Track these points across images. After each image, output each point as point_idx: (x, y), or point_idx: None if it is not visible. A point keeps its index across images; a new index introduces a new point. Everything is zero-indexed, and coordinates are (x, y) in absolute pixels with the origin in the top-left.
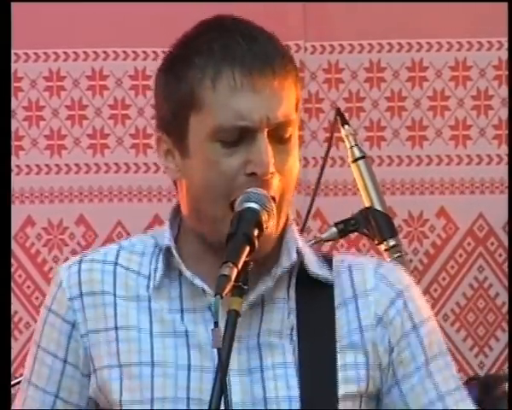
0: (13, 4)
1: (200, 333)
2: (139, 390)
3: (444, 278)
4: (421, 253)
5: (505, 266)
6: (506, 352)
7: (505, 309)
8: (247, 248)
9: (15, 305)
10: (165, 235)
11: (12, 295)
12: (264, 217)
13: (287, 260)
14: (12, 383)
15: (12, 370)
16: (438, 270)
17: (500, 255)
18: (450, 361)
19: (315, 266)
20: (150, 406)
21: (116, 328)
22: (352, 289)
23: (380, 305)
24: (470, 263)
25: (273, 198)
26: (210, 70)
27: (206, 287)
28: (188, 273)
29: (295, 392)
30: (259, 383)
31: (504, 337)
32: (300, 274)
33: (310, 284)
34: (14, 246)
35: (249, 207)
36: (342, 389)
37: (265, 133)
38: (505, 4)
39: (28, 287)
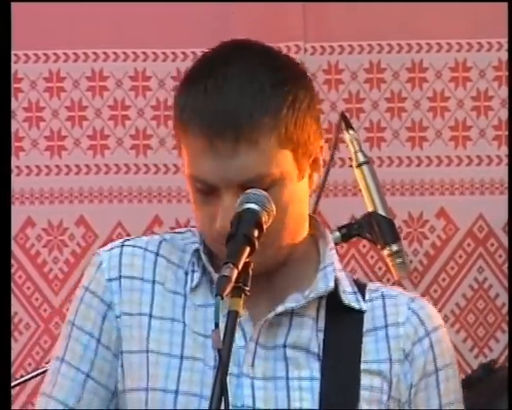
0: (13, 5)
1: (220, 334)
2: (164, 380)
3: (443, 279)
4: (420, 254)
5: (505, 267)
6: (506, 353)
7: (505, 310)
8: (248, 249)
9: (15, 306)
10: (196, 237)
11: (12, 296)
12: (264, 218)
13: (323, 286)
14: (12, 384)
15: (12, 371)
16: (438, 271)
17: (500, 256)
18: (462, 406)
19: (349, 297)
20: (174, 397)
21: (150, 316)
22: (383, 319)
23: (408, 340)
24: (470, 264)
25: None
26: (184, 117)
27: None
28: (216, 276)
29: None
30: (284, 391)
31: (504, 338)
32: (331, 299)
33: (341, 307)
34: (14, 247)
35: (249, 208)
36: (364, 407)
37: (230, 191)
38: (505, 5)
39: (28, 288)
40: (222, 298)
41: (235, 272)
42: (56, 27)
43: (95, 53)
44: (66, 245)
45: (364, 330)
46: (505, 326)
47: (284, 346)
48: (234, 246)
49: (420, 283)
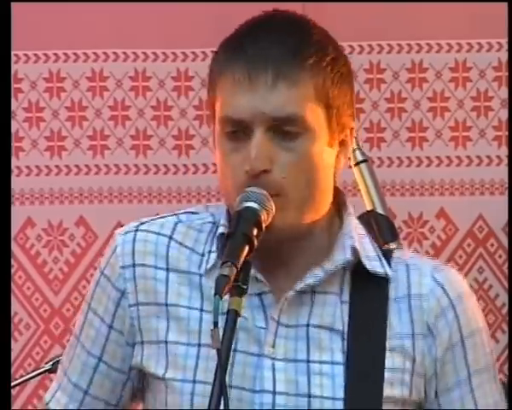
0: (13, 5)
1: (248, 317)
2: (182, 370)
3: None
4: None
5: (505, 268)
6: (506, 353)
7: (505, 310)
8: (247, 248)
9: (15, 306)
10: (221, 220)
11: (12, 296)
12: (264, 216)
13: (340, 257)
14: (12, 384)
15: (12, 371)
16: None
17: (500, 257)
18: (495, 375)
19: (374, 263)
20: (191, 388)
21: (166, 305)
22: (407, 289)
23: (431, 314)
24: (470, 264)
25: (270, 194)
26: (221, 66)
27: (258, 275)
28: None
29: (340, 393)
30: (305, 375)
31: (504, 339)
32: (356, 268)
33: (365, 277)
34: (14, 247)
35: (248, 207)
36: (386, 392)
37: (261, 129)
38: (504, 5)
39: (28, 288)
40: (221, 297)
41: (235, 271)
42: (56, 28)
43: (95, 53)
44: (66, 245)
45: (390, 298)
46: (505, 327)
47: (307, 325)
48: (233, 245)
49: None
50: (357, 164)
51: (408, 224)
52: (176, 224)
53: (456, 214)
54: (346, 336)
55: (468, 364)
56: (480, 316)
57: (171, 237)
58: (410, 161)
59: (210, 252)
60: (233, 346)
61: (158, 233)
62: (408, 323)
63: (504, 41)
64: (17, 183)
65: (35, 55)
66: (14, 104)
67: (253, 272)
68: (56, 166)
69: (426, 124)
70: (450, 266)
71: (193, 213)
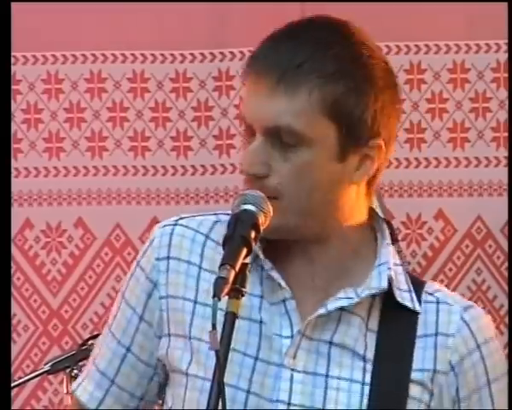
0: (12, 6)
1: (272, 325)
2: (204, 368)
3: (442, 281)
4: (419, 255)
5: (503, 269)
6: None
7: (503, 311)
8: (245, 251)
9: (14, 308)
10: None
11: (10, 297)
12: (261, 219)
13: (376, 285)
14: (12, 385)
15: (10, 372)
16: (436, 272)
17: (498, 258)
18: None
19: (404, 295)
20: (210, 386)
21: (195, 302)
22: (435, 326)
23: (456, 353)
24: (468, 265)
25: (269, 198)
26: (246, 66)
27: (282, 282)
28: (267, 263)
29: None
30: (322, 388)
31: (503, 340)
32: (386, 297)
33: (395, 307)
34: (12, 249)
35: (246, 209)
36: None
37: (262, 133)
38: (503, 6)
39: (27, 290)
40: (219, 299)
41: (233, 274)
42: (55, 29)
43: (93, 55)
44: (65, 247)
45: (417, 334)
46: (503, 328)
47: (330, 342)
48: (231, 247)
49: None
50: None
51: (406, 225)
52: (214, 223)
53: (455, 215)
54: (368, 361)
55: (494, 407)
56: (504, 360)
57: (207, 236)
58: (408, 162)
59: None
60: (255, 353)
61: (196, 230)
62: (431, 359)
63: (503, 42)
64: (15, 184)
65: (33, 56)
66: (12, 106)
67: (276, 277)
68: (55, 168)
69: (424, 125)
70: (479, 308)
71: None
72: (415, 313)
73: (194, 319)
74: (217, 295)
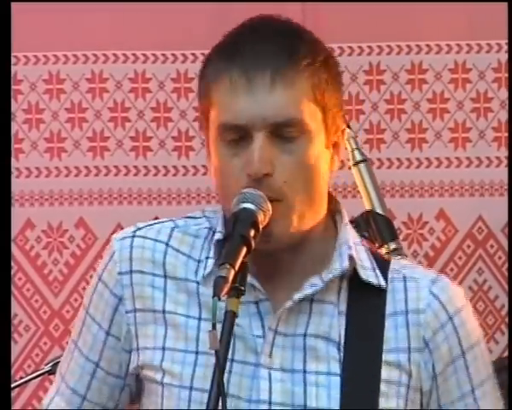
0: (13, 6)
1: (245, 326)
2: (179, 377)
3: None
4: (420, 255)
5: (504, 269)
6: (506, 354)
7: (504, 312)
8: (244, 249)
9: (15, 308)
10: (218, 226)
11: (12, 297)
12: (261, 217)
13: (338, 266)
14: (12, 385)
15: (12, 373)
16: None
17: (499, 258)
18: (496, 384)
19: (368, 273)
20: (188, 395)
21: (164, 311)
22: (404, 304)
23: (428, 328)
24: (469, 265)
25: (271, 198)
26: (216, 70)
27: (255, 283)
28: None
29: (336, 404)
30: (301, 385)
31: (504, 340)
32: (353, 277)
33: (362, 287)
34: (13, 249)
35: (245, 208)
36: (382, 404)
37: (262, 133)
38: (504, 6)
39: (28, 290)
40: (219, 299)
41: (232, 273)
42: (56, 29)
43: (94, 55)
44: (66, 247)
45: (387, 312)
46: (505, 328)
47: (304, 335)
48: (231, 246)
49: None
50: (356, 164)
51: (407, 225)
52: (172, 229)
53: (456, 215)
54: (342, 347)
55: (470, 377)
56: (478, 326)
57: (167, 244)
58: (409, 163)
59: (207, 258)
60: (230, 356)
61: (155, 240)
62: (404, 338)
63: (504, 42)
64: (17, 184)
65: (35, 56)
66: (13, 106)
67: (249, 279)
68: (56, 168)
69: (425, 125)
70: (446, 278)
71: (190, 217)
72: (382, 291)
73: (167, 329)
74: (217, 294)
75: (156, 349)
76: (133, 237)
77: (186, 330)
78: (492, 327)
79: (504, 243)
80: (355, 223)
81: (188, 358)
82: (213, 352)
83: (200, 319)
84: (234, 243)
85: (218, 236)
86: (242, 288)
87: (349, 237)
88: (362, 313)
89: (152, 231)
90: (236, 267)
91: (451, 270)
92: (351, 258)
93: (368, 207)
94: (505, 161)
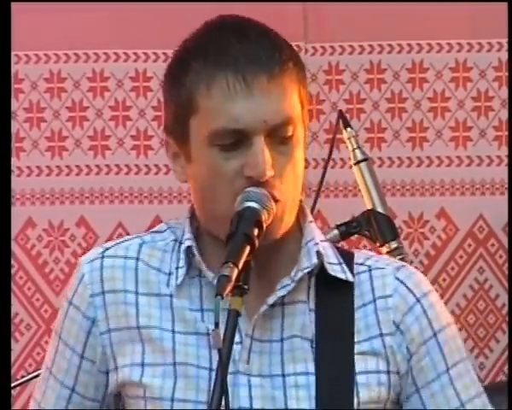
0: (13, 6)
1: (220, 334)
2: (160, 390)
3: (444, 280)
4: (421, 254)
5: (505, 268)
6: (506, 353)
7: (505, 310)
8: (248, 248)
9: (16, 307)
10: (185, 234)
11: (12, 296)
12: (264, 216)
13: (307, 264)
14: (13, 384)
15: (13, 371)
16: (438, 271)
17: (500, 257)
18: (470, 366)
19: (335, 268)
20: (170, 405)
21: (138, 328)
22: (371, 293)
23: (398, 312)
24: (470, 264)
25: (274, 198)
26: (204, 75)
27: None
28: (209, 274)
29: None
30: (281, 389)
31: (504, 339)
32: (320, 274)
33: (330, 282)
34: (14, 247)
35: (249, 207)
36: (364, 395)
37: (262, 136)
38: (505, 5)
39: (29, 288)
40: (222, 298)
41: (236, 272)
42: (57, 28)
43: (96, 53)
44: (67, 246)
45: (355, 305)
46: (505, 327)
47: (281, 339)
48: (234, 245)
49: None
50: (357, 163)
51: (408, 224)
52: (140, 245)
53: (457, 214)
54: (314, 344)
55: (444, 357)
56: (447, 313)
57: (137, 259)
58: (410, 161)
59: (177, 268)
60: (209, 364)
61: (125, 257)
62: (375, 324)
63: (505, 41)
64: (18, 183)
65: (36, 55)
66: (14, 105)
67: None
68: (57, 167)
69: (426, 124)
70: (411, 267)
71: (155, 232)
72: (349, 285)
73: (143, 345)
74: (220, 293)
75: (134, 366)
76: (102, 257)
77: (162, 342)
78: (493, 326)
79: (505, 241)
80: (356, 222)
81: (167, 370)
82: (191, 363)
83: (173, 331)
84: (237, 241)
85: (187, 243)
86: (246, 286)
87: (315, 234)
88: (331, 308)
89: (120, 249)
90: (240, 266)
91: (452, 269)
92: (318, 254)
93: (369, 207)
94: (506, 160)
